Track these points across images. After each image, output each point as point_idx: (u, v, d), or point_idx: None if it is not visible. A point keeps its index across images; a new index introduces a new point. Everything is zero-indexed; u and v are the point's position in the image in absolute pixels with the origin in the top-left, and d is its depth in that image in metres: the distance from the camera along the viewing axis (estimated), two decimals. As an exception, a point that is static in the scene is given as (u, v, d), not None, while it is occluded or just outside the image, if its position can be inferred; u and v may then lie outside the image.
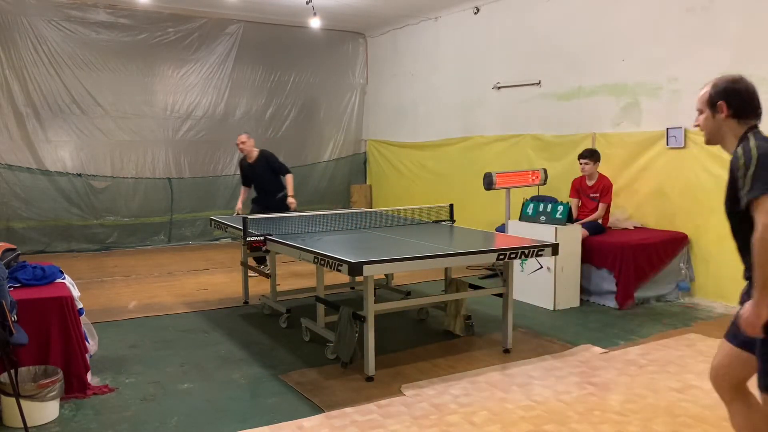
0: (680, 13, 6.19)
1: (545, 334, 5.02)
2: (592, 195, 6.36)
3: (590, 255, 5.99)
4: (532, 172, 6.52)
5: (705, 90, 2.43)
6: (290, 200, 7.12)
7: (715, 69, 5.91)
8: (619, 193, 6.74)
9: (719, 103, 2.37)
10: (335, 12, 9.16)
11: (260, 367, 4.32)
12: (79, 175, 8.97)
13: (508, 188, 6.39)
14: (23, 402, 3.26)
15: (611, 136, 6.91)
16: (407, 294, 5.81)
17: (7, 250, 4.05)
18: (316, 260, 4.10)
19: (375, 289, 4.76)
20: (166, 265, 7.97)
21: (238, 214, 7.24)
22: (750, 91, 2.36)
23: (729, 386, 2.48)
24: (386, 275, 6.07)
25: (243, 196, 7.39)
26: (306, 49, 10.48)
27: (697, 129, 2.48)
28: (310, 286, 5.97)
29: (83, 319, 3.98)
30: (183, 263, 8.13)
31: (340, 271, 3.81)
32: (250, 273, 6.24)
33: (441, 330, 5.12)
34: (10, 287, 3.55)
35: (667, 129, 6.30)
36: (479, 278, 6.92)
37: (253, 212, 7.13)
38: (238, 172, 10.08)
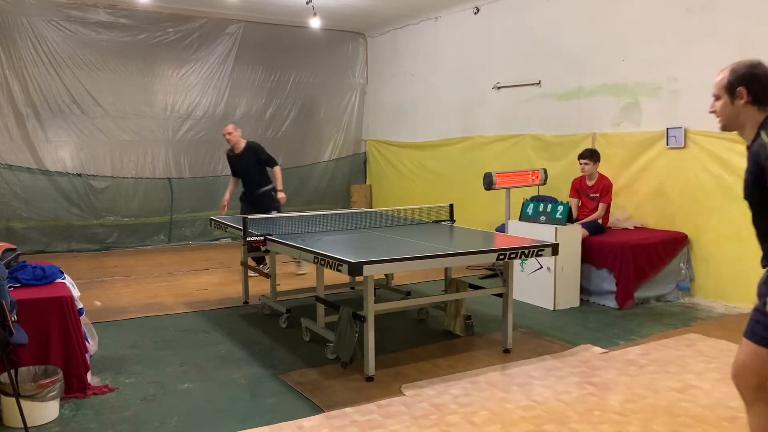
0: (680, 13, 6.19)
1: (545, 334, 5.02)
2: (592, 195, 6.36)
3: (590, 255, 5.99)
4: (532, 172, 6.52)
5: (723, 75, 2.35)
6: (280, 195, 7.12)
7: (715, 69, 5.91)
8: (619, 193, 6.74)
9: (739, 89, 2.30)
10: (335, 12, 9.16)
11: (260, 367, 4.32)
12: (79, 175, 8.97)
13: (508, 188, 6.39)
14: (23, 402, 3.26)
15: (611, 136, 6.91)
16: (407, 294, 5.81)
17: (7, 250, 4.05)
18: (316, 260, 4.10)
19: (375, 289, 4.76)
20: (166, 265, 7.97)
21: (225, 206, 7.27)
22: None
23: (751, 386, 2.38)
24: (386, 275, 6.07)
25: (231, 187, 7.40)
26: (306, 49, 10.48)
27: (713, 115, 2.39)
28: (310, 286, 5.97)
29: (83, 319, 3.98)
30: (183, 263, 8.13)
31: (340, 271, 3.81)
32: (250, 273, 6.25)
33: (441, 330, 5.11)
34: (10, 287, 3.55)
35: (667, 129, 6.30)
36: (479, 278, 6.92)
37: (242, 211, 7.15)
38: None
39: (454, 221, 5.81)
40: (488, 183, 6.19)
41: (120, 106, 9.15)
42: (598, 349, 4.61)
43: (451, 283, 5.09)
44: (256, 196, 7.10)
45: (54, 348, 3.68)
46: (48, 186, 8.78)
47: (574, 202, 6.40)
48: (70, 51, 8.77)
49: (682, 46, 6.20)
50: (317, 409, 3.59)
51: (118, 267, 7.88)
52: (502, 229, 6.56)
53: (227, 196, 7.33)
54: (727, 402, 3.63)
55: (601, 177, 6.36)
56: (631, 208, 6.75)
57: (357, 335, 4.18)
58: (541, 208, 6.04)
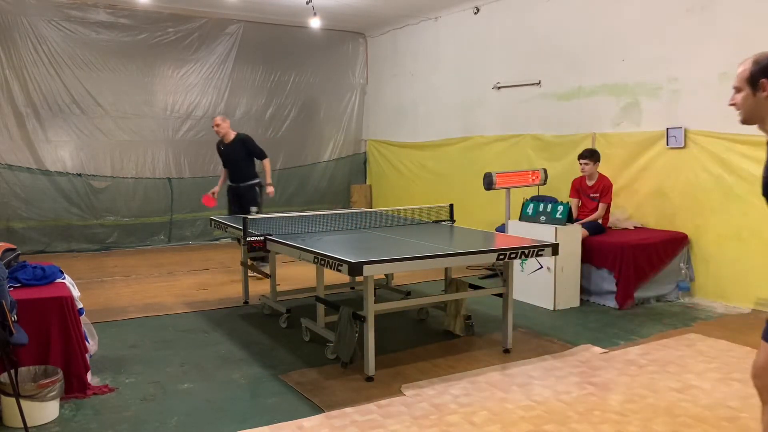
0: (680, 13, 6.19)
1: (545, 334, 5.02)
2: (592, 195, 6.36)
3: (590, 255, 5.99)
4: (532, 172, 6.52)
5: (744, 67, 2.31)
6: (269, 188, 7.12)
7: (715, 69, 5.94)
8: (619, 193, 6.74)
9: (762, 80, 2.26)
10: (335, 12, 9.16)
11: (260, 367, 4.32)
12: (79, 175, 8.97)
13: (508, 188, 6.39)
14: (23, 402, 3.26)
15: (611, 136, 6.91)
16: (407, 294, 5.81)
17: (7, 250, 4.05)
18: (316, 260, 4.10)
19: (375, 289, 4.76)
20: (166, 265, 7.97)
21: (212, 193, 7.28)
22: None
23: None
24: (386, 275, 6.07)
25: (222, 180, 7.41)
26: (306, 49, 10.48)
27: (733, 108, 2.35)
28: (310, 286, 5.97)
29: (83, 319, 3.98)
30: (183, 263, 8.13)
31: (340, 271, 3.81)
32: (249, 273, 6.24)
33: (441, 330, 5.11)
34: (10, 287, 3.55)
35: (667, 129, 6.30)
36: (479, 278, 6.92)
37: (228, 204, 7.17)
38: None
39: (454, 221, 5.81)
40: (488, 183, 6.19)
41: (120, 106, 9.15)
42: (598, 349, 4.61)
43: (451, 283, 5.09)
44: (240, 189, 7.11)
45: (54, 348, 3.68)
46: (48, 186, 8.78)
47: (574, 202, 6.40)
48: (70, 51, 8.77)
49: (682, 46, 6.20)
50: (317, 409, 3.59)
51: (118, 267, 7.88)
52: (502, 229, 6.56)
53: (216, 188, 7.35)
54: (727, 402, 3.63)
55: (601, 177, 6.36)
56: (631, 208, 6.75)
57: (357, 335, 4.18)
58: (541, 208, 6.04)
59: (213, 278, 7.22)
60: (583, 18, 7.17)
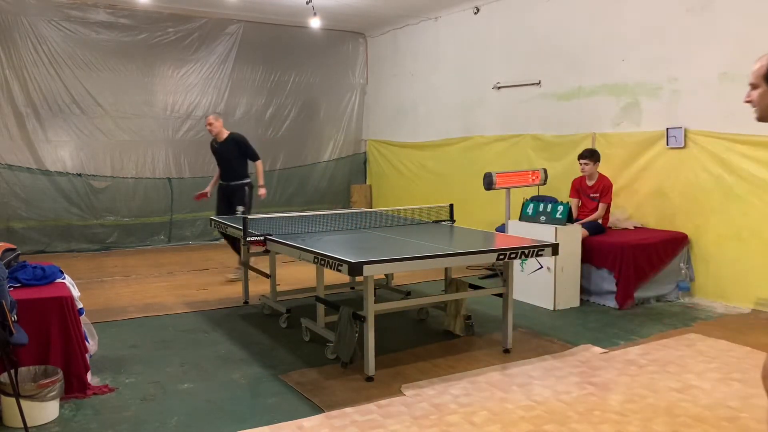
0: (680, 13, 6.19)
1: (545, 334, 5.02)
2: (592, 195, 6.36)
3: (590, 255, 5.99)
4: (532, 172, 6.52)
5: (761, 63, 2.27)
6: (261, 190, 7.08)
7: (715, 69, 5.94)
8: (619, 193, 6.74)
9: None
10: (335, 12, 9.16)
11: (260, 367, 4.32)
12: (79, 175, 8.97)
13: (508, 188, 6.39)
14: (23, 402, 3.26)
15: (611, 136, 6.91)
16: (407, 294, 5.81)
17: (7, 250, 4.05)
18: (316, 260, 4.10)
19: (375, 289, 4.76)
20: (166, 265, 7.97)
21: (204, 193, 7.24)
22: None
23: None
24: (386, 275, 6.07)
25: (215, 179, 7.37)
26: (306, 49, 10.48)
27: (749, 105, 2.33)
28: (310, 286, 5.97)
29: (83, 319, 3.98)
30: (183, 263, 8.13)
31: (340, 271, 3.81)
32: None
33: (441, 330, 5.11)
34: (10, 287, 3.55)
35: (667, 129, 6.30)
36: (479, 278, 6.92)
37: (218, 202, 7.15)
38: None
39: (454, 221, 5.81)
40: (488, 183, 6.19)
41: (120, 106, 9.15)
42: (598, 349, 4.61)
43: (451, 283, 5.09)
44: (230, 187, 7.09)
45: (54, 348, 3.68)
46: (48, 186, 8.78)
47: (574, 202, 6.40)
48: (70, 51, 8.78)
49: (682, 46, 6.20)
50: (317, 409, 3.59)
51: (118, 267, 7.88)
52: (502, 229, 6.56)
53: (209, 188, 7.32)
54: (727, 402, 3.63)
55: (601, 177, 6.36)
56: (631, 208, 6.75)
57: (357, 335, 4.18)
58: (541, 208, 6.04)
59: (213, 278, 7.22)
60: (583, 18, 7.17)
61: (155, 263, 8.13)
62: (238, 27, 9.88)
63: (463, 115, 9.05)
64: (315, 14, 8.53)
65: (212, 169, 9.90)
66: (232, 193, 7.06)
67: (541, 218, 5.99)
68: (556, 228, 5.77)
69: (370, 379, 4.02)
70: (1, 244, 4.11)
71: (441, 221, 5.78)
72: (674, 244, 6.11)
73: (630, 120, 6.74)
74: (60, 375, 3.56)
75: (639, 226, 6.59)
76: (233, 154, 7.11)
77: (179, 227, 9.67)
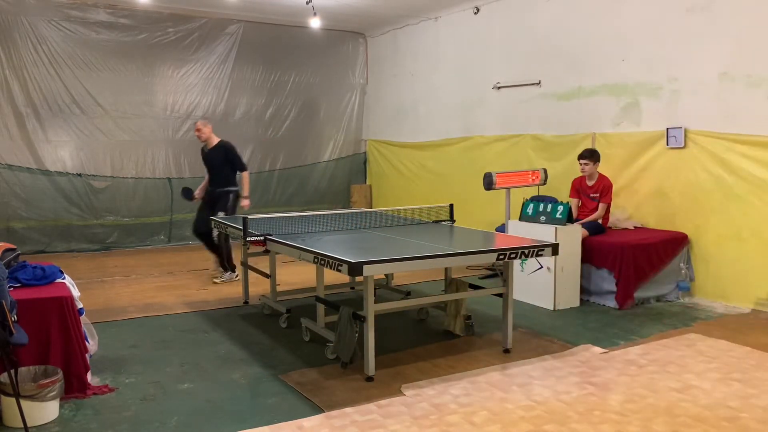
0: (680, 13, 6.19)
1: (545, 334, 5.02)
2: (592, 195, 6.36)
3: (590, 255, 5.99)
4: (532, 172, 6.52)
5: None
6: (244, 202, 6.94)
7: (716, 69, 5.94)
8: (619, 193, 6.74)
9: None
10: (335, 12, 9.16)
11: (260, 367, 4.32)
12: (79, 175, 8.97)
13: (508, 188, 6.39)
14: (23, 402, 3.26)
15: (611, 136, 6.91)
16: (407, 294, 5.81)
17: (7, 250, 4.05)
18: (316, 260, 4.10)
19: (375, 289, 4.76)
20: (166, 265, 7.97)
21: (194, 199, 7.23)
22: None
23: None
24: (386, 275, 6.07)
25: (204, 183, 7.32)
26: (306, 49, 10.49)
27: None
28: (310, 286, 5.97)
29: (83, 319, 3.98)
30: (183, 263, 8.12)
31: (340, 271, 3.81)
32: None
33: (441, 330, 5.11)
34: (10, 287, 3.55)
35: (667, 129, 6.30)
36: (479, 278, 6.92)
37: (200, 207, 7.14)
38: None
39: (454, 221, 5.81)
40: (488, 183, 6.19)
41: (120, 106, 9.16)
42: (598, 349, 4.61)
43: (451, 283, 5.09)
44: (215, 194, 7.05)
45: (54, 348, 3.68)
46: (48, 186, 8.78)
47: (574, 202, 6.40)
48: (70, 51, 8.78)
49: (682, 46, 6.20)
50: (317, 409, 3.59)
51: (118, 267, 7.88)
52: (502, 229, 6.56)
53: (198, 192, 7.28)
54: (727, 402, 3.63)
55: (601, 177, 6.36)
56: (631, 208, 6.75)
57: (357, 335, 4.18)
58: (541, 208, 6.04)
59: (214, 278, 7.21)
60: (583, 18, 7.17)
61: (155, 263, 8.13)
62: (238, 27, 9.88)
63: (463, 115, 9.05)
64: (315, 14, 8.53)
65: (212, 169, 9.94)
66: (216, 200, 6.98)
67: (541, 218, 5.99)
68: (556, 228, 5.77)
69: (370, 379, 4.02)
70: (1, 244, 4.11)
71: (441, 221, 5.78)
72: (674, 244, 6.11)
73: (630, 120, 6.74)
74: (60, 375, 3.56)
75: (639, 226, 6.59)
76: (220, 162, 7.03)
77: (179, 227, 9.66)
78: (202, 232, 7.10)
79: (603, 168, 6.51)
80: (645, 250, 5.90)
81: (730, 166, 5.84)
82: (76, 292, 3.95)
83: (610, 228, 6.50)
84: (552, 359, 4.40)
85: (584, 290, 6.03)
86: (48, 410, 3.46)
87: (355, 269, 3.70)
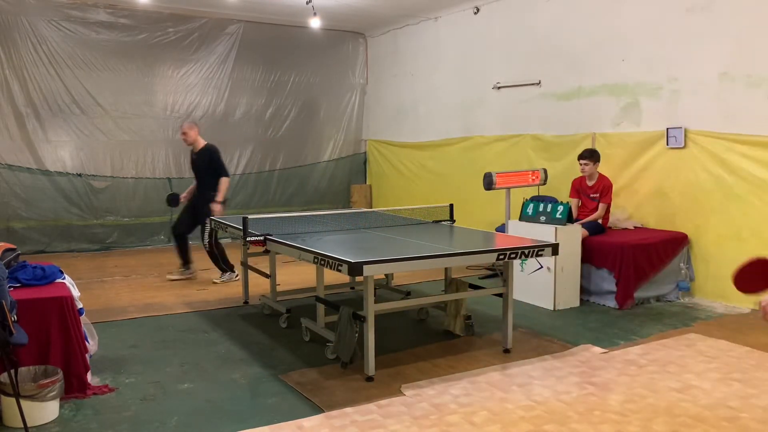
0: (680, 13, 6.19)
1: (545, 334, 5.02)
2: (592, 195, 6.36)
3: (590, 255, 5.99)
4: (532, 172, 6.52)
5: None
6: (215, 206, 6.74)
7: (716, 69, 5.94)
8: (619, 193, 6.74)
9: None
10: (335, 12, 9.16)
11: (260, 367, 4.32)
12: (79, 175, 8.97)
13: (508, 188, 6.39)
14: (23, 402, 3.26)
15: (611, 136, 6.91)
16: (407, 294, 5.81)
17: (7, 250, 4.05)
18: (316, 260, 4.10)
19: (375, 289, 4.76)
20: (166, 265, 7.97)
21: (181, 203, 7.21)
22: None
23: None
24: (386, 275, 6.07)
25: (191, 187, 7.27)
26: (306, 49, 10.48)
27: None
28: (310, 286, 5.97)
29: (83, 319, 3.98)
30: (183, 263, 8.12)
31: (340, 271, 3.81)
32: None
33: (441, 330, 5.12)
34: (10, 287, 3.55)
35: (667, 129, 6.30)
36: (479, 278, 6.92)
37: (183, 210, 7.12)
38: (239, 172, 10.17)
39: (454, 221, 5.81)
40: (488, 183, 6.19)
41: (120, 106, 9.16)
42: (598, 349, 4.61)
43: (451, 283, 5.09)
44: (197, 197, 7.02)
45: (54, 348, 3.68)
46: (48, 186, 8.79)
47: (574, 202, 6.40)
48: (70, 51, 8.78)
49: (682, 46, 6.20)
50: (317, 409, 3.59)
51: (118, 267, 7.88)
52: (502, 229, 6.56)
53: (183, 195, 7.24)
54: (727, 402, 3.63)
55: (601, 177, 6.36)
56: (631, 208, 6.75)
57: (357, 335, 4.18)
58: (541, 208, 6.04)
59: (213, 278, 7.22)
60: (583, 18, 7.17)
61: (155, 263, 8.13)
62: (238, 27, 9.88)
63: (463, 115, 9.05)
64: (315, 14, 8.53)
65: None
66: (197, 203, 6.89)
67: (541, 218, 5.99)
68: (556, 228, 5.77)
69: (370, 379, 4.02)
70: (1, 244, 4.11)
71: (441, 221, 5.78)
72: (674, 244, 6.11)
73: (630, 120, 6.74)
74: (60, 375, 3.56)
75: (639, 226, 6.59)
76: (204, 165, 6.94)
77: (179, 227, 9.67)
78: (179, 233, 7.12)
79: (603, 168, 6.51)
80: (645, 250, 5.90)
81: (730, 166, 5.84)
82: (76, 292, 3.95)
83: (610, 228, 6.50)
84: (552, 359, 4.40)
85: (584, 290, 6.03)
86: (48, 410, 3.46)
87: (355, 269, 3.70)
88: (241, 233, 5.03)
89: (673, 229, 6.30)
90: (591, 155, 6.32)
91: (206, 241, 6.83)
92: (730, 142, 5.81)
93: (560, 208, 5.89)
